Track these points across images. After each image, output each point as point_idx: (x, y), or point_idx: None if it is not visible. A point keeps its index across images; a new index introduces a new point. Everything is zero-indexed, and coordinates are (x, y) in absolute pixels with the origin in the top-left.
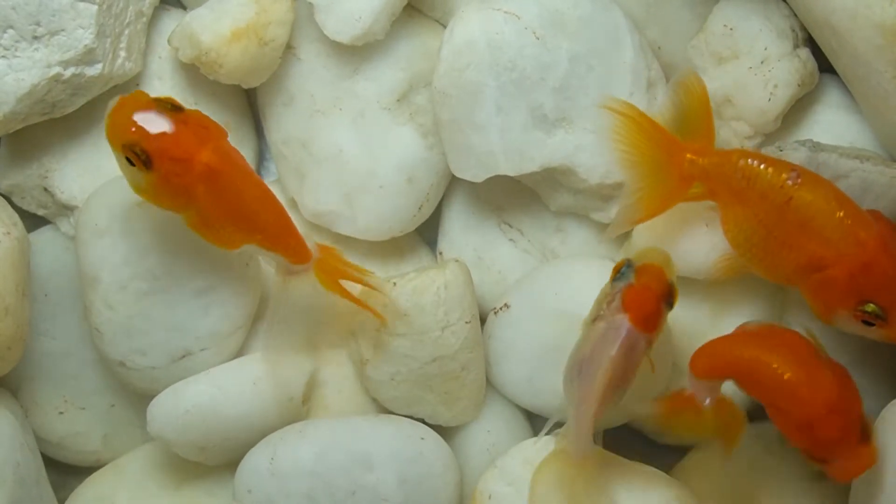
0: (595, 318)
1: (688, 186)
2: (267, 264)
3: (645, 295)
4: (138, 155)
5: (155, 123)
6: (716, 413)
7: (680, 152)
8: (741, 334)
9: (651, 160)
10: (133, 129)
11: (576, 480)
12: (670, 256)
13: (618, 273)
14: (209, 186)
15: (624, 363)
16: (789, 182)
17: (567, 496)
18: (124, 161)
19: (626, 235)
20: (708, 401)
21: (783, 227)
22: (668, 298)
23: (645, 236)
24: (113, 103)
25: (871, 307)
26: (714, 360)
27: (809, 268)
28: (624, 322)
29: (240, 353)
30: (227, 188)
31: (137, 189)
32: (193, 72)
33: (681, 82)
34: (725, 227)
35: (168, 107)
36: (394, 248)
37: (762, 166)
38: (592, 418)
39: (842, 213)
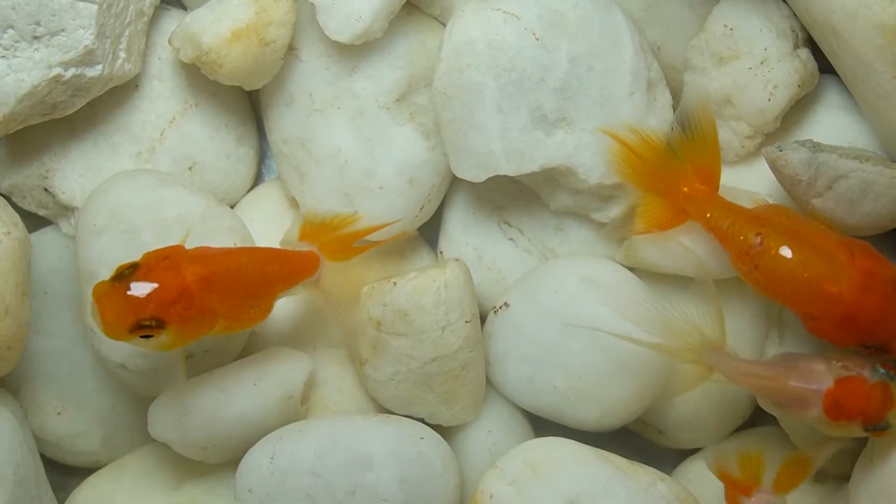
0: (824, 357)
1: (686, 216)
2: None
3: (858, 400)
4: (150, 325)
5: (137, 290)
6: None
7: (679, 185)
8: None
9: (651, 187)
10: (127, 310)
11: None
12: None
13: (882, 368)
14: (214, 289)
15: (778, 395)
16: (754, 247)
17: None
18: (140, 341)
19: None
20: None
21: (761, 286)
22: (868, 423)
23: (643, 234)
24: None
25: (870, 345)
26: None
27: (800, 315)
28: (822, 387)
29: (241, 354)
30: (226, 277)
31: (167, 347)
32: (194, 73)
33: (691, 112)
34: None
35: (126, 272)
36: (394, 247)
37: (728, 228)
38: (742, 368)
39: (808, 274)
